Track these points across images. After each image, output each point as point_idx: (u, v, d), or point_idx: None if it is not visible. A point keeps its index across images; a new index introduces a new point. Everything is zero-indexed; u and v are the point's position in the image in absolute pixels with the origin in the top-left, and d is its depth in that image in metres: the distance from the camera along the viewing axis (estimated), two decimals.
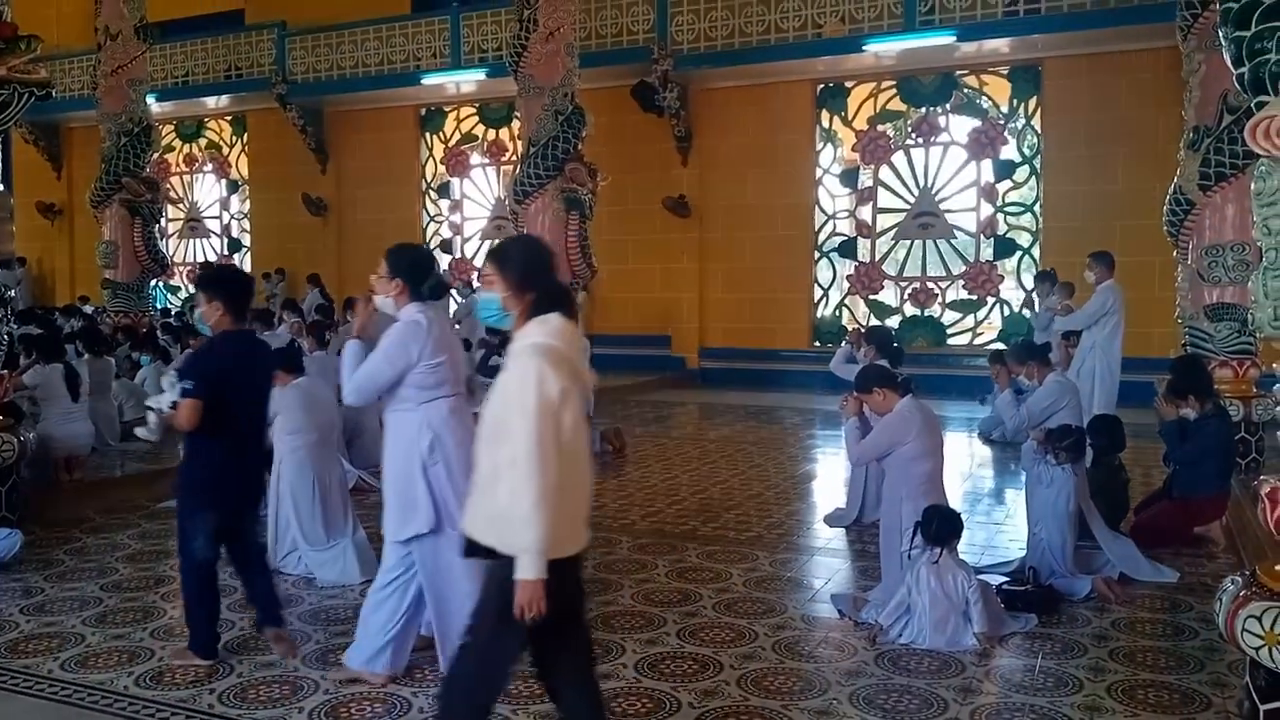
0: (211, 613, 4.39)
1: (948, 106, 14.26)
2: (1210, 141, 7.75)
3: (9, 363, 6.85)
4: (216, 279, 4.58)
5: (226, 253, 19.54)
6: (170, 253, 18.46)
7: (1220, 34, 3.50)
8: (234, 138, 19.51)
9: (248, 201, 19.54)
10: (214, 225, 20.12)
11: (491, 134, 17.22)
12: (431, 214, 17.94)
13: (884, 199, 14.71)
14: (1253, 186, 3.59)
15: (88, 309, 14.93)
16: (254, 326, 10.28)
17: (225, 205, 20.00)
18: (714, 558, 5.90)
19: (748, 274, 15.07)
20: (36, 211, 20.41)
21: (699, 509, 7.21)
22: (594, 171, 11.40)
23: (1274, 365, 3.68)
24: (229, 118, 19.43)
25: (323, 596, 5.25)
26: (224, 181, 19.84)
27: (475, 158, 17.47)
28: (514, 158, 15.86)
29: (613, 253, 14.42)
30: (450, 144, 17.57)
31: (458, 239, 17.71)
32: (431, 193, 17.89)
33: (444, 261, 16.93)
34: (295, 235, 18.24)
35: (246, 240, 19.61)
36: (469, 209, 17.74)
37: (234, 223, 19.91)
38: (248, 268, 19.15)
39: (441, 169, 17.70)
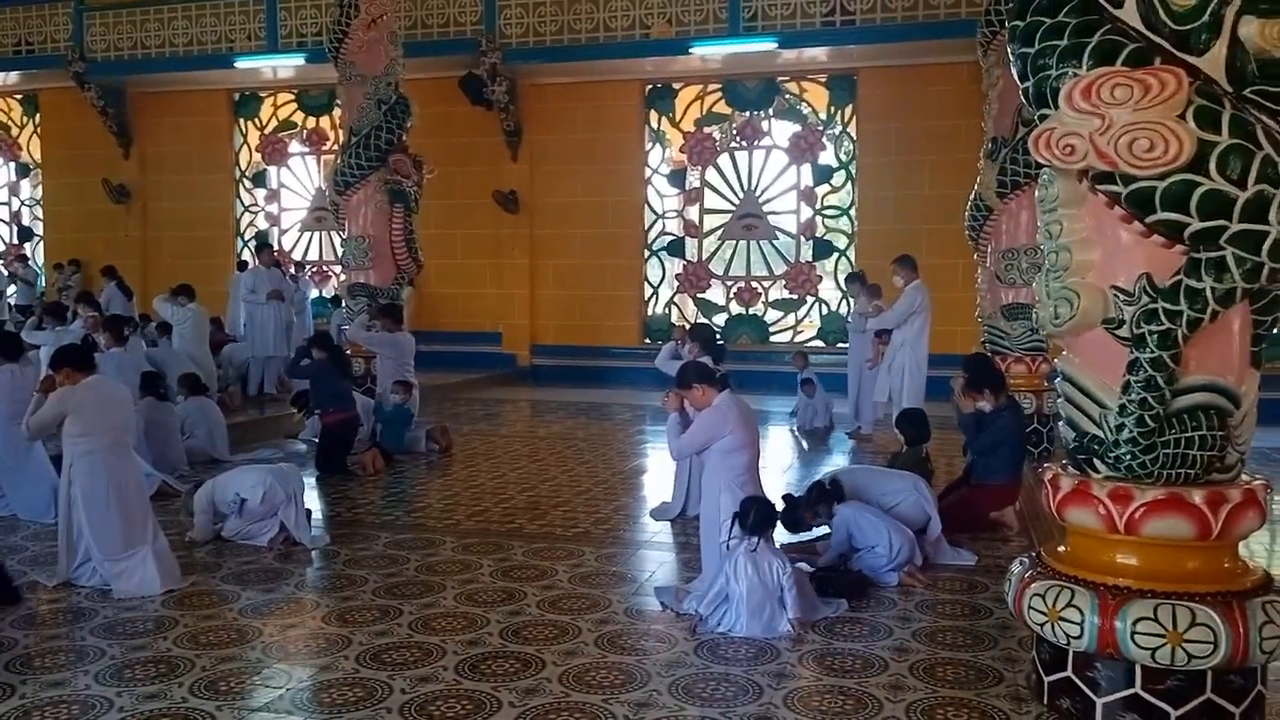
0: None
1: (770, 111, 14.70)
2: (1007, 152, 8.28)
3: None
4: None
5: (16, 241, 18.01)
6: None
7: (1009, 50, 3.74)
8: (24, 118, 17.98)
9: (40, 187, 18.07)
10: (1, 212, 18.51)
11: (311, 121, 16.57)
12: (246, 203, 17.09)
13: (710, 200, 15.02)
14: (1037, 194, 3.85)
15: None
16: (46, 321, 9.57)
17: (14, 190, 18.42)
18: (540, 555, 5.87)
19: (579, 271, 15.09)
20: None
21: (527, 507, 7.16)
22: (419, 163, 11.11)
23: (1055, 361, 3.96)
24: (18, 96, 17.89)
25: (119, 609, 4.90)
26: (13, 165, 18.27)
27: (294, 146, 16.76)
28: (335, 147, 15.30)
29: (441, 247, 14.15)
30: (267, 130, 16.79)
31: (274, 230, 16.95)
32: (246, 181, 17.03)
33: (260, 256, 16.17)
34: (94, 223, 16.98)
35: (39, 229, 18.15)
36: (287, 199, 17.00)
37: (24, 209, 18.39)
38: (40, 258, 17.77)
39: (257, 157, 16.88)
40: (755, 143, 14.75)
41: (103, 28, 16.11)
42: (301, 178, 16.86)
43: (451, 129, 14.54)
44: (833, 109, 14.44)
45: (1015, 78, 3.73)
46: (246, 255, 16.28)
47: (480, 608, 4.93)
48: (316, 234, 16.72)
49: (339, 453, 8.29)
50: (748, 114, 14.73)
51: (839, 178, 14.56)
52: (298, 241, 16.85)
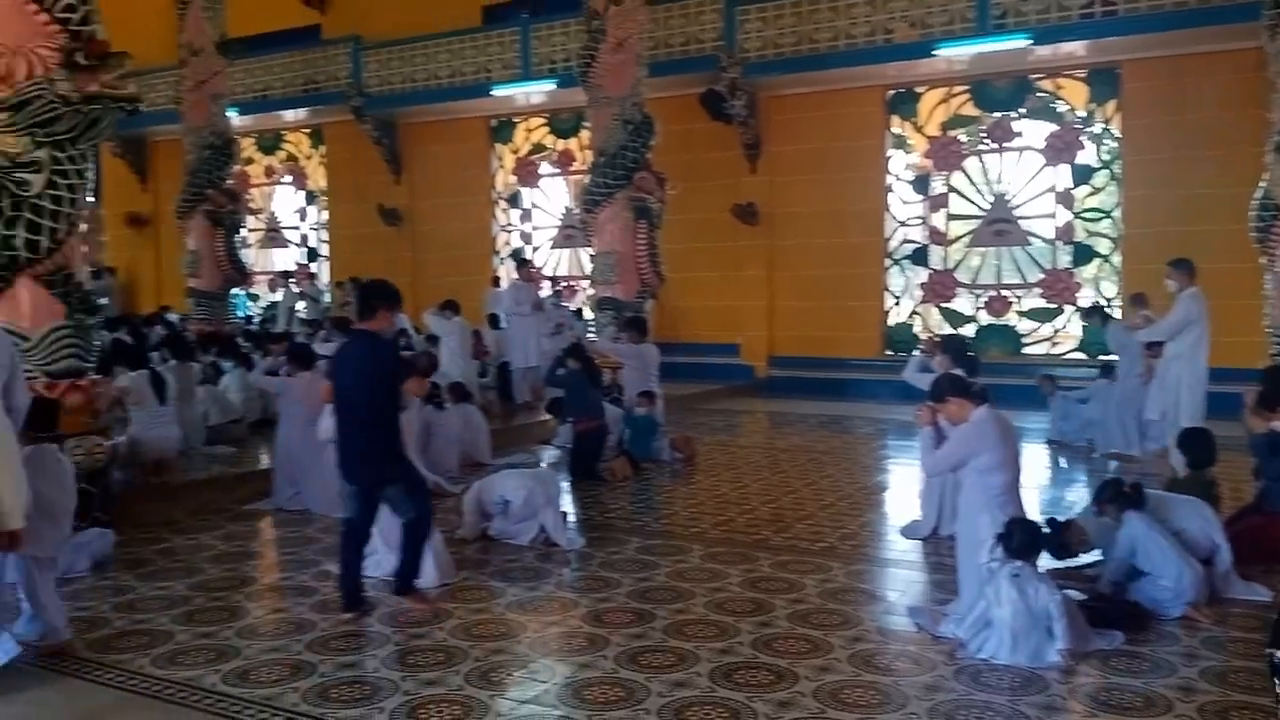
0: (350, 572, 5.17)
1: (1022, 111, 13.99)
2: None
3: (101, 369, 7.11)
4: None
5: (305, 262, 19.99)
6: (250, 262, 18.89)
7: None
8: (312, 150, 19.97)
9: (325, 212, 19.97)
10: (292, 235, 20.61)
11: (560, 144, 17.38)
12: (502, 223, 18.16)
13: (957, 205, 14.48)
14: None
15: (170, 317, 15.41)
16: (330, 333, 10.55)
17: (303, 216, 20.47)
18: (787, 568, 5.86)
19: (817, 282, 14.95)
20: (124, 223, 21.15)
21: (770, 519, 7.17)
22: (662, 180, 11.42)
23: None
24: (307, 130, 19.89)
25: (400, 599, 5.33)
26: (302, 193, 20.31)
27: (545, 168, 17.64)
28: (583, 167, 15.98)
29: (681, 261, 14.40)
30: (520, 154, 17.77)
31: (528, 248, 17.89)
32: (502, 202, 18.10)
33: (513, 270, 17.12)
34: (371, 245, 18.60)
35: (325, 250, 20.06)
36: (538, 218, 17.92)
37: (311, 233, 20.37)
38: (325, 277, 19.59)
39: (512, 179, 17.90)
40: (1006, 144, 14.09)
41: (376, 64, 17.63)
42: (551, 198, 17.72)
43: (692, 145, 14.83)
44: (1093, 105, 13.56)
45: None
46: (500, 272, 17.30)
47: (730, 617, 4.99)
48: (565, 251, 17.51)
49: (590, 459, 8.63)
50: (997, 115, 14.10)
51: (1100, 178, 13.65)
52: (548, 259, 17.69)
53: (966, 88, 14.21)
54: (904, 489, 8.41)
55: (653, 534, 6.77)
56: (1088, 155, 13.66)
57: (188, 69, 14.14)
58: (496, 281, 16.13)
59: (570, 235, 16.89)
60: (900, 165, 14.88)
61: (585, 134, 15.18)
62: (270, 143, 20.35)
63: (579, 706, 3.97)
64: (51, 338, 6.23)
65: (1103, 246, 13.69)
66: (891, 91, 14.68)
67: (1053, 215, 13.87)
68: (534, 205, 17.89)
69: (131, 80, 6.42)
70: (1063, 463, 9.49)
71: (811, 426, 11.85)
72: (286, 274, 18.95)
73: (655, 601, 5.23)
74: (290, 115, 19.32)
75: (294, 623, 4.98)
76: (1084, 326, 13.45)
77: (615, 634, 4.75)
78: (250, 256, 19.44)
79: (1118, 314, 13.11)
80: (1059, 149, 13.68)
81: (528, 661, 4.47)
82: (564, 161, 17.36)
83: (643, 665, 4.35)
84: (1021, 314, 14.16)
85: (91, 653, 4.57)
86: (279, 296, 18.53)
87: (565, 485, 8.12)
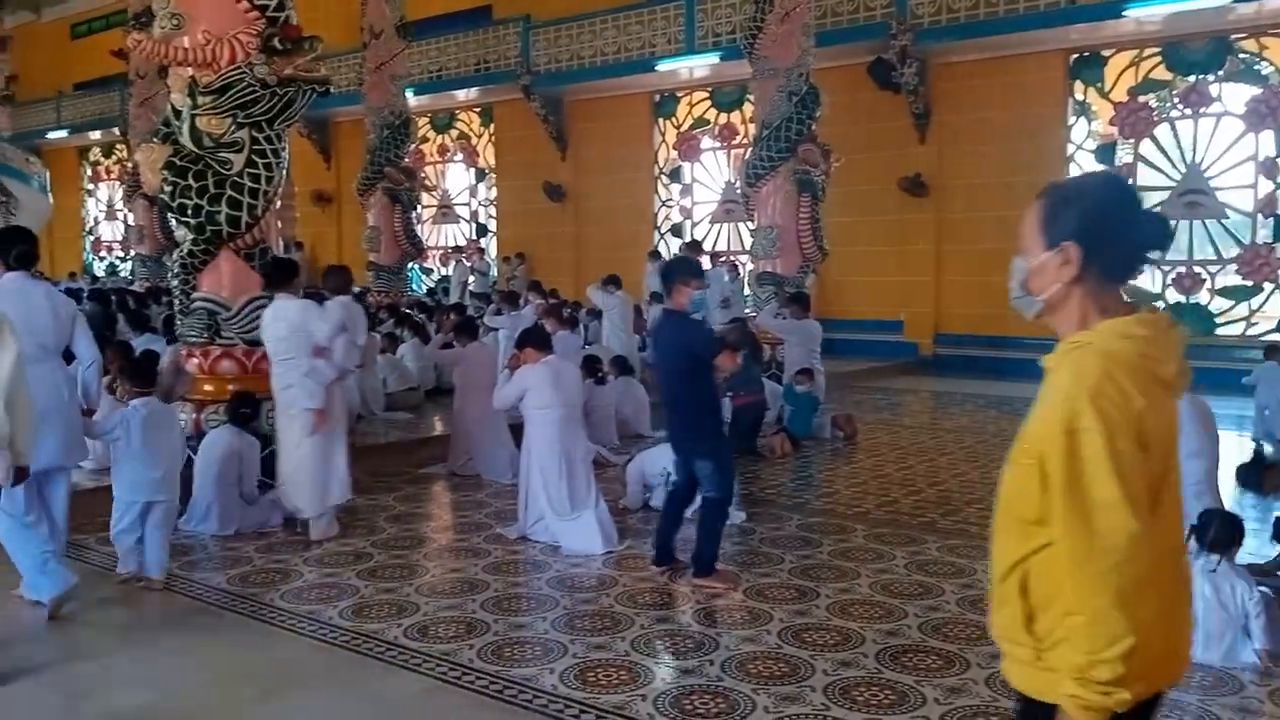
0: (666, 528, 5.34)
1: (1221, 74, 13.00)
2: None
3: None
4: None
5: (474, 237, 20.67)
6: (424, 237, 19.66)
7: None
8: (482, 128, 20.57)
9: (494, 189, 20.57)
10: (463, 211, 21.33)
11: (723, 118, 17.29)
12: (663, 199, 18.24)
13: (1145, 175, 13.61)
14: None
15: (353, 290, 16.20)
16: (500, 306, 10.90)
17: (473, 192, 21.14)
18: (956, 552, 5.70)
19: (989, 256, 14.33)
20: (310, 200, 22.40)
21: (937, 501, 6.98)
22: (827, 152, 11.21)
23: None
24: (478, 109, 20.50)
25: (568, 564, 5.49)
26: (472, 170, 20.97)
27: (706, 142, 17.60)
28: (744, 141, 15.86)
29: (844, 235, 14.13)
30: (682, 129, 17.79)
31: (688, 223, 17.93)
32: (663, 178, 18.18)
33: (674, 245, 17.22)
34: (536, 221, 19.07)
35: (493, 226, 20.67)
36: (699, 193, 17.91)
37: (481, 209, 21.03)
38: (493, 251, 20.21)
39: (673, 154, 17.95)
40: (1201, 110, 13.13)
41: (545, 43, 17.98)
42: (712, 171, 17.69)
43: (857, 115, 14.49)
44: None
45: None
46: (661, 248, 17.41)
47: (896, 599, 4.90)
48: (725, 225, 17.46)
49: (749, 434, 8.61)
50: (1192, 78, 13.15)
51: None
52: (708, 233, 17.69)
53: (1158, 49, 13.32)
54: None
55: (814, 512, 6.71)
56: None
57: (369, 51, 14.76)
58: (657, 255, 16.24)
59: (730, 210, 16.83)
60: (1082, 133, 14.10)
61: (748, 107, 15.07)
62: (443, 122, 21.08)
63: (743, 679, 3.99)
64: (249, 308, 6.67)
65: None
66: (1074, 55, 13.92)
67: (1253, 186, 12.87)
68: (695, 180, 17.90)
69: (322, 63, 6.77)
70: (1268, 451, 8.81)
71: (979, 407, 11.45)
72: (458, 249, 19.66)
73: (818, 579, 5.19)
74: (462, 95, 19.96)
75: (469, 582, 5.20)
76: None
77: (778, 609, 4.74)
78: (424, 232, 20.25)
79: None
80: (1262, 114, 12.66)
81: (691, 632, 4.52)
82: (726, 135, 17.27)
83: (806, 643, 4.33)
84: (1215, 292, 13.22)
85: (286, 603, 4.91)
86: (451, 271, 19.25)
87: None
